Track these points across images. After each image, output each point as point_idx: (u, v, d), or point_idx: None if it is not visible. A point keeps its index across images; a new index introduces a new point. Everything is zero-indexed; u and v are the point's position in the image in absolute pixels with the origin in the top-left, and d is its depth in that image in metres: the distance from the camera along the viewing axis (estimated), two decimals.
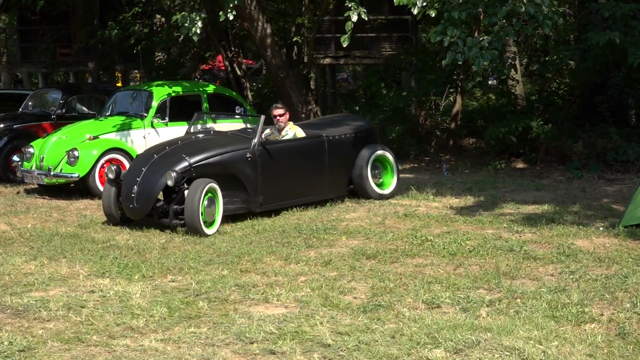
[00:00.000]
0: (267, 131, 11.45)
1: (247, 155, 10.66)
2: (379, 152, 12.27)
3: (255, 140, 10.82)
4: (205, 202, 9.80)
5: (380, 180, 12.31)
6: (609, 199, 11.75)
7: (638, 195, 9.63)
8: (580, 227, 9.68)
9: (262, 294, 7.16)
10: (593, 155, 15.04)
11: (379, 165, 12.31)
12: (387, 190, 12.22)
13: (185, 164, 10.20)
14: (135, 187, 10.11)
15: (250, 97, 20.75)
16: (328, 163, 11.73)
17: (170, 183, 9.94)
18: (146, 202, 10.13)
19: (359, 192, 12.04)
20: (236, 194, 10.64)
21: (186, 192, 9.93)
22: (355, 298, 7.04)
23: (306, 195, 11.51)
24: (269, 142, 11.12)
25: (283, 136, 11.60)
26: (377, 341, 5.85)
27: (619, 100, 16.31)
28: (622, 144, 14.92)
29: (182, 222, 9.92)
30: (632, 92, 16.28)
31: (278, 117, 11.55)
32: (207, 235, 9.68)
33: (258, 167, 10.77)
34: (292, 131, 11.63)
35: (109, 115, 14.10)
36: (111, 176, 10.53)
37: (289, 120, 11.88)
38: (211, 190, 10.00)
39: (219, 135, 11.60)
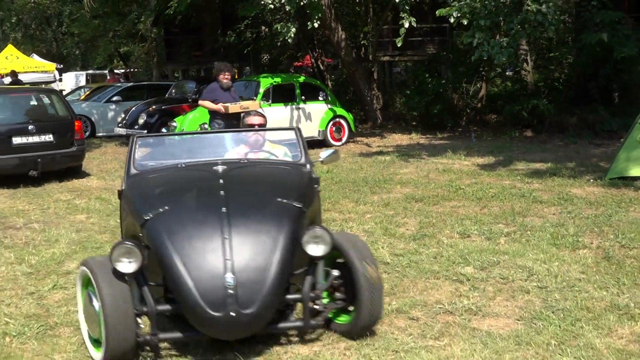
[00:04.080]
0: (238, 154, 5.24)
1: (317, 188, 4.81)
2: None
3: (308, 164, 4.89)
4: None
5: None
6: (597, 159, 11.42)
7: (619, 156, 9.36)
8: (575, 179, 9.45)
9: (340, 226, 7.19)
10: (585, 127, 14.67)
11: None
12: None
13: (298, 209, 4.22)
14: (230, 274, 3.76)
15: (330, 85, 20.64)
16: None
17: (324, 250, 4.04)
18: (268, 298, 3.80)
19: None
20: None
21: (319, 263, 4.10)
22: (407, 230, 7.01)
23: None
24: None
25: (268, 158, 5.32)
26: (424, 260, 5.83)
27: (606, 86, 15.80)
28: (608, 118, 14.53)
29: (324, 317, 4.16)
30: (616, 79, 15.76)
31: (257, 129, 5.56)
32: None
33: (319, 205, 5.00)
34: (280, 150, 5.40)
35: None
36: (129, 265, 3.86)
37: None
38: None
39: (246, 161, 5.04)
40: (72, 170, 10.99)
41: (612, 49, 13.61)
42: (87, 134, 16.44)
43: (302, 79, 15.32)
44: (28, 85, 19.04)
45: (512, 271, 5.46)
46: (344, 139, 14.71)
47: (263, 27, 22.13)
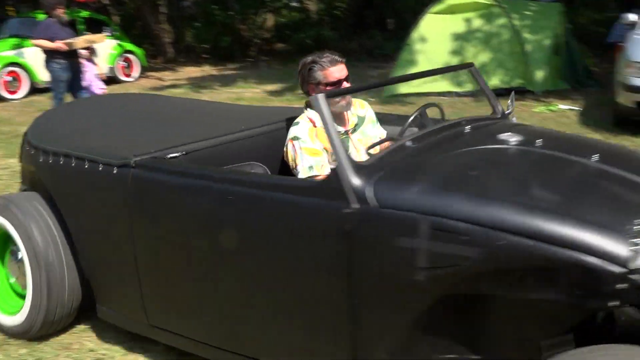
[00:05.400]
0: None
1: None
2: None
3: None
4: None
5: None
6: (375, 79, 12.04)
7: (393, 76, 9.96)
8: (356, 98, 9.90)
9: None
10: (364, 51, 15.38)
11: None
12: None
13: None
14: None
15: (118, 20, 19.54)
16: None
17: None
18: None
19: None
20: None
21: None
22: None
23: None
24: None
25: (355, 126, 3.15)
26: None
27: (381, 13, 16.63)
28: (383, 43, 15.35)
29: None
30: (389, 6, 16.60)
31: (345, 84, 2.96)
32: None
33: None
34: (365, 110, 3.27)
35: (4, 38, 12.95)
36: None
37: None
38: None
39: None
40: None
41: None
42: None
43: (85, 14, 14.32)
44: None
45: None
46: (135, 74, 14.12)
47: None
